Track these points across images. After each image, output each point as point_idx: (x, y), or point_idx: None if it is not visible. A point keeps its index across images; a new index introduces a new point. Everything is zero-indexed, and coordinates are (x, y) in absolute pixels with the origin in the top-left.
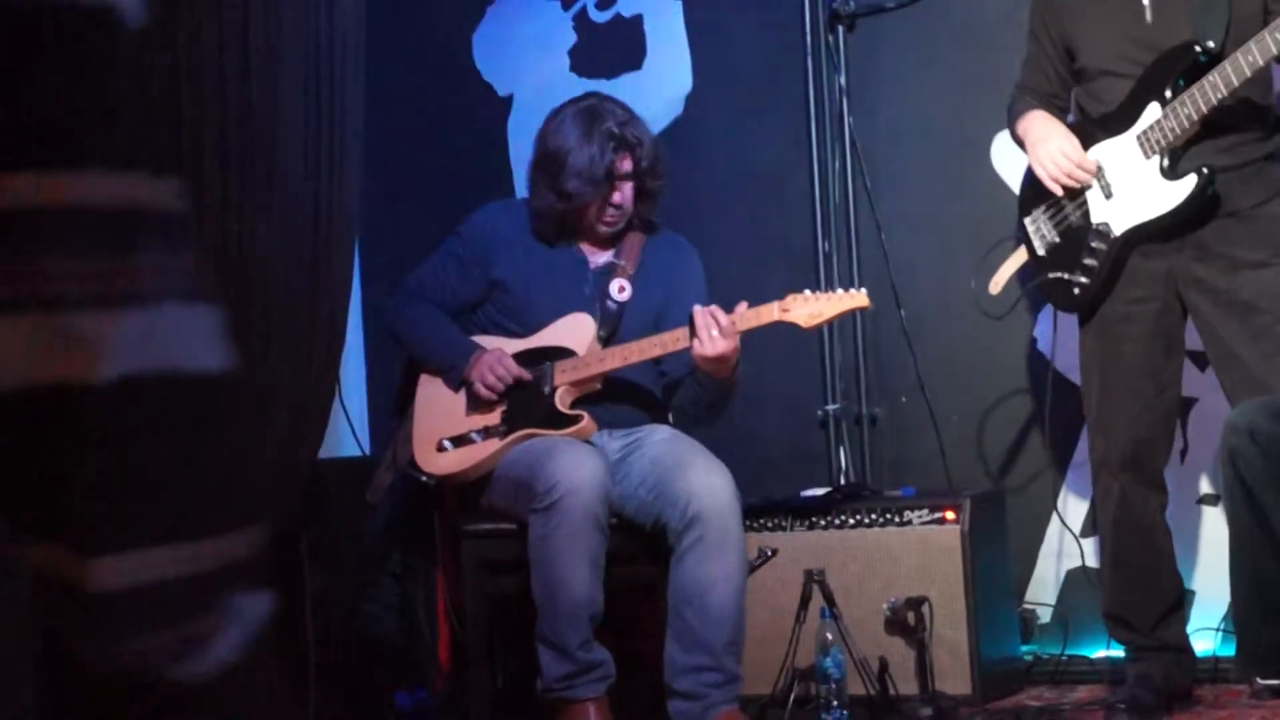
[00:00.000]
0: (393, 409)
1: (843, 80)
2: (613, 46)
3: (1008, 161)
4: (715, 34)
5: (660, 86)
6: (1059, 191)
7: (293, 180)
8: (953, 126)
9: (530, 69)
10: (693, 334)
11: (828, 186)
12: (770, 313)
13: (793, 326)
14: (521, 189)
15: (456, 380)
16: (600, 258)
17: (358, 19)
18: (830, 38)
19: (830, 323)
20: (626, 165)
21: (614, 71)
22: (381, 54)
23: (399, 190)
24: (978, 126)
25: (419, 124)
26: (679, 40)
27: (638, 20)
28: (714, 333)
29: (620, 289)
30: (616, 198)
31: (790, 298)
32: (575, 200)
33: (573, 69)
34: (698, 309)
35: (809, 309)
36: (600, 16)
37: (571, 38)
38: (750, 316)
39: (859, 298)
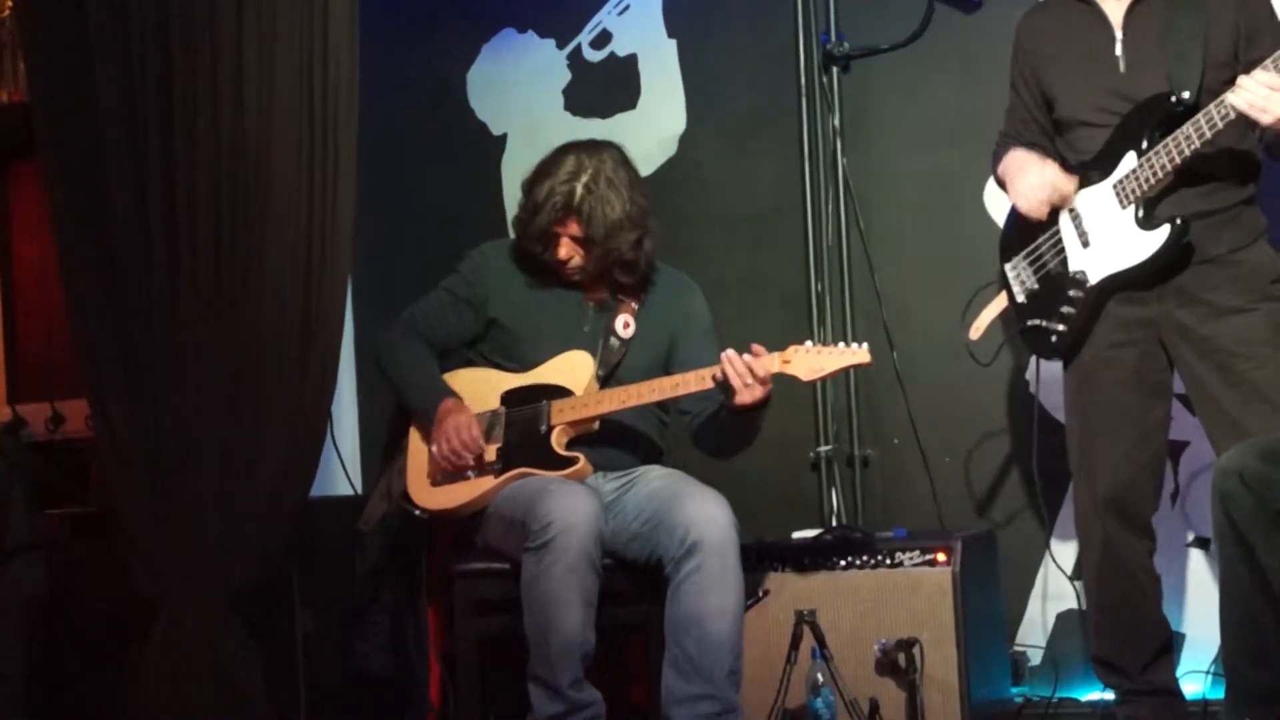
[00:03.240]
0: (386, 442)
1: (836, 121)
2: (607, 86)
3: (1001, 204)
4: (709, 74)
5: (654, 126)
6: (1043, 217)
7: (284, 221)
8: (947, 168)
9: (525, 108)
10: (727, 382)
11: (821, 227)
12: (771, 363)
13: (791, 378)
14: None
15: (428, 429)
16: (600, 294)
17: (351, 59)
18: (824, 79)
19: (830, 377)
20: (571, 230)
21: (608, 111)
22: (376, 93)
23: (393, 228)
24: (972, 168)
25: (413, 162)
26: (673, 80)
27: (632, 60)
28: (748, 382)
29: (625, 325)
30: (562, 253)
31: (791, 349)
32: (532, 251)
33: (567, 108)
34: (729, 358)
35: (810, 362)
36: (595, 56)
37: (566, 76)
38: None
39: (861, 354)
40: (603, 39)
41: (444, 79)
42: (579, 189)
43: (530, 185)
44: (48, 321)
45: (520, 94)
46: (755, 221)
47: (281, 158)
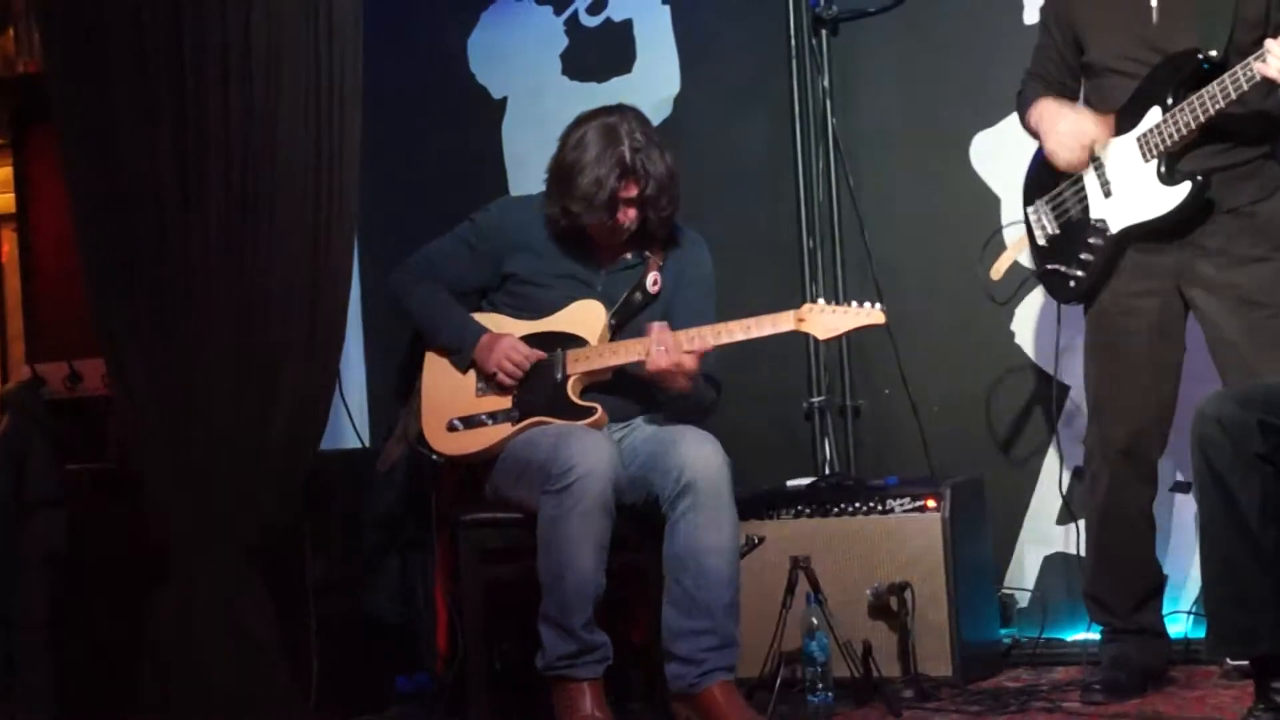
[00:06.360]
0: (398, 383)
1: (826, 82)
2: (603, 50)
3: (986, 160)
4: (702, 38)
5: (649, 89)
6: (1081, 168)
7: (292, 182)
8: (933, 126)
9: (524, 72)
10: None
11: (812, 185)
12: (786, 321)
13: (807, 335)
14: (515, 188)
15: (465, 362)
16: (618, 254)
17: (356, 26)
18: (814, 41)
19: (846, 336)
20: (631, 191)
21: (605, 74)
22: (380, 59)
23: (398, 189)
24: (957, 126)
25: (417, 126)
26: (667, 44)
27: (627, 24)
28: (660, 348)
29: (654, 281)
30: (620, 218)
31: (806, 307)
32: (578, 220)
33: (565, 72)
34: (654, 325)
35: (826, 322)
36: (591, 21)
37: (563, 42)
38: (766, 323)
39: (875, 315)
40: (598, 4)
41: (446, 46)
42: (627, 151)
43: (569, 167)
44: (65, 283)
45: (519, 59)
46: (748, 180)
47: (289, 122)
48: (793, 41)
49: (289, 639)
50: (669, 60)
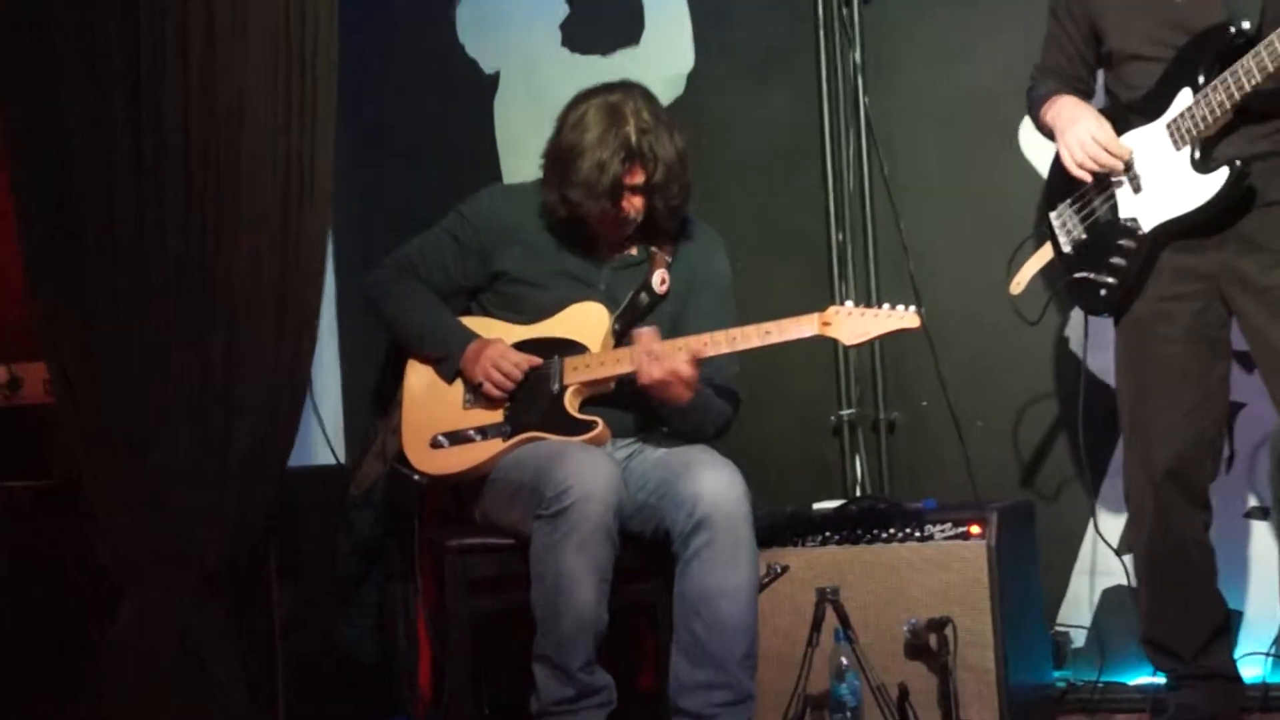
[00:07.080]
0: (376, 397)
1: (858, 57)
2: (608, 20)
3: (1037, 146)
4: (719, 6)
5: (660, 64)
6: (1087, 178)
7: (259, 170)
8: (978, 108)
9: (518, 44)
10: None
11: (841, 172)
12: (810, 324)
13: (833, 341)
14: (509, 173)
15: (451, 371)
16: (622, 249)
17: None
18: (845, 10)
19: (875, 341)
20: (636, 177)
21: (609, 47)
22: (358, 30)
23: (377, 177)
24: (1005, 108)
25: (399, 105)
26: (680, 13)
27: None
28: (648, 358)
29: (662, 281)
30: (624, 208)
31: (832, 310)
32: (578, 209)
33: (564, 44)
34: (641, 332)
35: (854, 326)
36: None
37: (563, 10)
38: (788, 327)
39: (909, 318)
40: None
41: (431, 14)
42: (632, 132)
43: (568, 149)
44: (3, 279)
45: (514, 29)
46: (770, 167)
47: (256, 100)
48: (820, 11)
49: (254, 678)
50: (682, 32)
